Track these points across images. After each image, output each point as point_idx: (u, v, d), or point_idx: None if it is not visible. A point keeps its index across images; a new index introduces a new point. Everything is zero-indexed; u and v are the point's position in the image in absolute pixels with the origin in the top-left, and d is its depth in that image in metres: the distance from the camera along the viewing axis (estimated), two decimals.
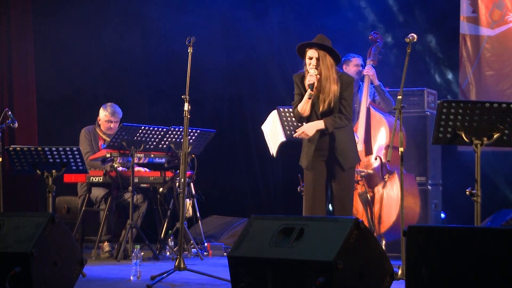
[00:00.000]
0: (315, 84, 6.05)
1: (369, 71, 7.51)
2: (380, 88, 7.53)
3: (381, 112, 7.44)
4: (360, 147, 7.36)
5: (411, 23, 9.24)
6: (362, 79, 7.60)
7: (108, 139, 7.87)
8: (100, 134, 8.16)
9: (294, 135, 6.20)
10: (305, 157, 6.22)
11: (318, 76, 6.06)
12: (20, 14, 9.50)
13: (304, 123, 6.22)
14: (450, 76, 9.20)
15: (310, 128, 6.10)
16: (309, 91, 6.04)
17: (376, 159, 7.33)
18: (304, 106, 6.13)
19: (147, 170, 8.02)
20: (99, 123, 8.20)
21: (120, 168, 7.74)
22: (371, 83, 7.58)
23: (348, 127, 6.21)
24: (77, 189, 8.16)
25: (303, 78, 6.19)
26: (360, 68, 7.62)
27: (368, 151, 7.38)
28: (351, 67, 7.68)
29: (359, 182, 7.33)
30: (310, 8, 9.56)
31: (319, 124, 6.07)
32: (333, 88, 6.05)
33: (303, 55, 6.16)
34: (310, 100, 6.09)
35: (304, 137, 6.13)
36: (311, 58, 6.08)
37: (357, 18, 9.39)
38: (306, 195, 6.23)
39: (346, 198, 6.13)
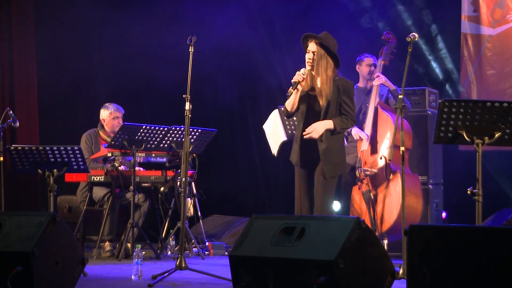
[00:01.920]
0: (301, 83, 6.06)
1: (380, 79, 7.46)
2: (396, 92, 7.47)
3: (389, 112, 7.44)
4: (366, 146, 7.38)
5: (411, 22, 9.24)
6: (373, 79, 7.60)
7: None
8: (104, 136, 8.14)
9: (304, 135, 6.11)
10: (294, 153, 6.24)
11: (305, 77, 6.06)
12: (21, 14, 9.51)
13: (294, 118, 6.26)
14: (451, 75, 9.20)
15: (320, 127, 6.07)
16: (290, 88, 6.05)
17: (381, 158, 7.33)
18: (290, 103, 6.15)
19: (141, 169, 8.00)
20: (104, 124, 8.17)
21: (121, 167, 7.74)
22: (385, 86, 7.57)
23: (340, 136, 6.21)
24: (77, 194, 8.16)
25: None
26: (373, 68, 7.62)
27: (374, 150, 7.38)
28: (363, 67, 7.69)
29: (363, 180, 7.34)
30: (311, 7, 9.56)
31: (328, 124, 6.05)
32: (325, 87, 6.05)
33: (305, 47, 6.17)
34: (296, 96, 6.10)
35: (314, 137, 6.10)
36: (309, 52, 6.09)
37: (357, 16, 9.38)
38: (296, 193, 6.25)
39: (323, 207, 6.11)
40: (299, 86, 6.08)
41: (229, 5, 9.59)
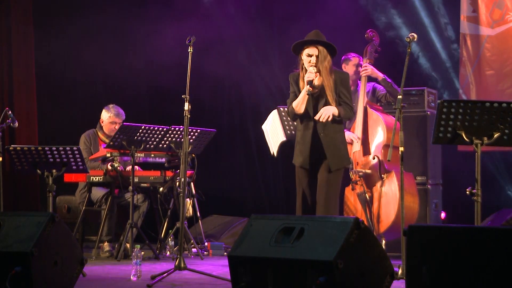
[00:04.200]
0: (314, 81, 6.09)
1: (366, 70, 7.45)
2: (386, 81, 7.47)
3: (378, 111, 7.43)
4: (358, 147, 7.35)
5: (410, 22, 9.24)
6: (360, 78, 7.57)
7: None
8: (102, 137, 8.13)
9: (320, 119, 6.11)
10: (299, 154, 6.24)
11: (318, 74, 6.10)
12: (20, 13, 9.50)
13: (298, 121, 6.30)
14: (450, 75, 9.20)
15: (329, 110, 6.10)
16: (307, 87, 6.08)
17: (374, 158, 7.31)
18: (299, 103, 6.17)
19: (137, 168, 7.97)
20: (102, 125, 8.18)
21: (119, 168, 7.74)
22: (371, 80, 7.55)
23: (341, 128, 6.31)
24: (76, 195, 8.17)
25: (298, 78, 6.25)
26: (359, 68, 7.60)
27: (366, 150, 7.36)
28: (350, 67, 7.65)
29: (358, 182, 7.31)
30: (309, 7, 9.56)
31: (335, 110, 6.11)
32: (331, 84, 6.11)
33: (298, 51, 6.19)
34: (307, 97, 6.13)
35: (328, 115, 6.08)
36: (310, 56, 6.12)
37: (354, 15, 9.36)
38: (297, 194, 6.27)
39: (329, 202, 6.13)
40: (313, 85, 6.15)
41: None
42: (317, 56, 6.10)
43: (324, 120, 6.10)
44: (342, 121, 6.32)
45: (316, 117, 6.11)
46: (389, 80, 7.49)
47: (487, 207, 6.50)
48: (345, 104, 6.18)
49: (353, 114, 6.35)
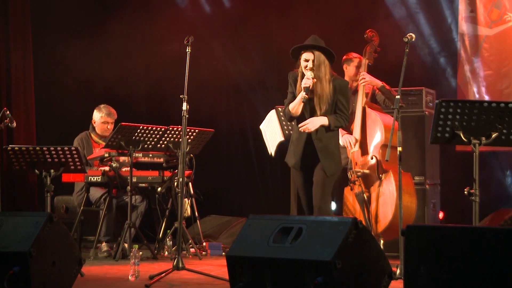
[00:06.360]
0: (311, 87, 6.10)
1: (365, 79, 7.35)
2: (384, 87, 7.43)
3: (376, 111, 7.41)
4: (356, 147, 7.34)
5: (408, 22, 9.24)
6: None
7: (103, 143, 7.86)
8: (95, 138, 8.13)
9: (299, 127, 6.17)
10: (292, 155, 6.26)
11: (315, 80, 6.09)
12: (18, 14, 9.50)
13: (294, 122, 6.31)
14: (448, 75, 9.19)
15: (315, 123, 6.14)
16: (303, 94, 6.09)
17: (372, 158, 7.30)
18: (296, 107, 6.20)
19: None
20: (94, 125, 8.17)
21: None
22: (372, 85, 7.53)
23: (335, 133, 6.31)
24: (73, 197, 8.16)
25: (296, 78, 6.24)
26: (361, 69, 7.57)
27: (364, 151, 7.35)
28: (351, 67, 7.60)
29: (356, 182, 7.30)
30: (309, 8, 9.57)
31: (323, 120, 6.15)
32: (328, 90, 6.11)
33: (297, 56, 6.20)
34: (301, 100, 6.14)
35: (309, 129, 6.14)
36: (307, 61, 6.13)
37: (353, 14, 9.36)
38: (291, 195, 6.30)
39: (325, 204, 6.17)
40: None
41: None
42: (313, 61, 6.11)
43: (304, 131, 6.15)
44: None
45: (299, 126, 6.13)
46: (387, 87, 7.46)
47: (485, 207, 6.50)
48: (341, 113, 6.20)
49: (347, 123, 6.32)
